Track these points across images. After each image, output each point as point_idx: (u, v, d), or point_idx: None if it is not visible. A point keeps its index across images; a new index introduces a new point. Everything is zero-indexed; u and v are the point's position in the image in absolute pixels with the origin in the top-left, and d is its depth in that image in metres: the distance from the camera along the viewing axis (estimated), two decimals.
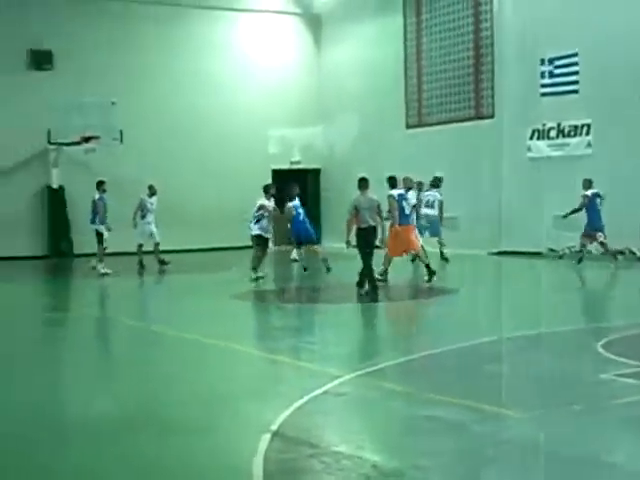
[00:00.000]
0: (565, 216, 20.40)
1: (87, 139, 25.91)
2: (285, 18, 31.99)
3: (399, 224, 17.44)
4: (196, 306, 15.67)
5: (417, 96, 28.16)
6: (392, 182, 17.90)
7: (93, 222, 21.54)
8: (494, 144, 25.02)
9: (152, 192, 22.77)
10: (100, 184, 21.65)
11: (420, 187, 22.01)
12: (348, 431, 7.12)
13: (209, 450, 6.58)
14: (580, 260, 20.09)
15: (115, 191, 23.30)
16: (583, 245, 20.21)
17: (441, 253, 22.07)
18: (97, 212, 21.29)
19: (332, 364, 9.88)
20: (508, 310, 14.40)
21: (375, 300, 15.44)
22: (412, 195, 19.34)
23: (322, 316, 14.71)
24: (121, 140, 25.99)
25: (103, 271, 21.06)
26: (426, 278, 17.55)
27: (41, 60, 27.75)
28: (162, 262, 22.59)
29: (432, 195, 22.04)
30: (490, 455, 6.42)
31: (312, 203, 31.93)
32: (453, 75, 26.80)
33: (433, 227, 21.80)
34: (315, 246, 20.97)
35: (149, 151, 28.38)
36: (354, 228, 15.99)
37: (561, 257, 21.59)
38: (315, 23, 32.32)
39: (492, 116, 25.48)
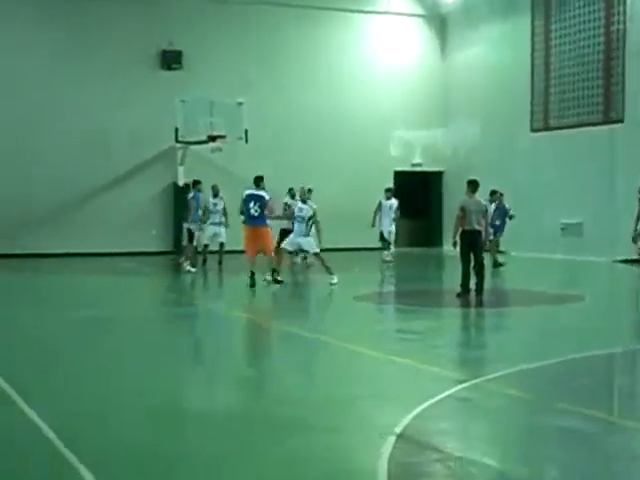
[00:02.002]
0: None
1: (214, 138, 26.25)
2: (411, 20, 31.89)
3: (243, 223, 18.06)
4: (320, 307, 15.75)
5: (543, 99, 27.62)
6: (257, 181, 18.18)
7: (185, 220, 21.90)
8: (622, 148, 24.40)
9: (215, 192, 22.93)
10: (195, 183, 22.14)
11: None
12: (473, 437, 7.03)
13: (334, 450, 6.59)
14: None
15: (239, 190, 23.64)
16: None
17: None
18: (189, 210, 21.65)
19: (456, 368, 9.82)
20: (637, 320, 14.02)
21: (481, 304, 15.24)
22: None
23: (443, 319, 14.59)
24: (246, 140, 26.20)
25: (188, 268, 21.28)
26: (267, 278, 17.85)
27: (171, 60, 28.41)
28: (220, 263, 22.66)
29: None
30: (621, 469, 6.23)
31: (434, 205, 31.84)
32: (582, 77, 26.19)
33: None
34: None
35: (273, 151, 28.71)
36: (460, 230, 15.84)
37: None
38: (441, 25, 32.12)
39: (622, 120, 24.82)
